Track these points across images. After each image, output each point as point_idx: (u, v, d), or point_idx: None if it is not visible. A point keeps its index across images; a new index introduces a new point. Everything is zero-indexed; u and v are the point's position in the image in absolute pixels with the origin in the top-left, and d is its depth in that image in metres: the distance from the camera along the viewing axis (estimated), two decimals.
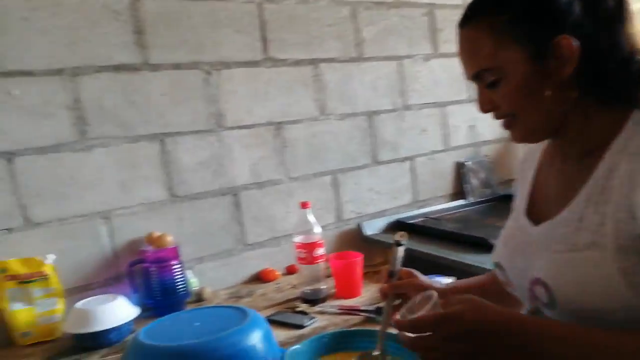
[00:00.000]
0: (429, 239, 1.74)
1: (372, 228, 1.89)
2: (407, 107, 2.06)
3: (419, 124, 2.09)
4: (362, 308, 1.37)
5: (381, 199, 1.98)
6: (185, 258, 1.54)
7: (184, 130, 1.58)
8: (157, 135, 1.54)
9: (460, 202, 2.15)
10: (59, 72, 1.40)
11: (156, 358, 0.89)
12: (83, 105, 1.43)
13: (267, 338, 1.00)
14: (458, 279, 1.34)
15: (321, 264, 1.46)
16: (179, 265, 1.45)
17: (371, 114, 1.96)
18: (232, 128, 1.67)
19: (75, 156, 1.42)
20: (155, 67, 1.54)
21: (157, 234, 1.45)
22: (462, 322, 0.68)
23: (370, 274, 1.64)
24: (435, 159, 2.13)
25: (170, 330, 0.98)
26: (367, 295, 1.50)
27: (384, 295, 0.94)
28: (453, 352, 0.68)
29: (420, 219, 1.95)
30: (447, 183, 2.17)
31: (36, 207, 1.36)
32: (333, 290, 1.51)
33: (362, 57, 1.93)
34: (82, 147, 1.43)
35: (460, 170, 2.18)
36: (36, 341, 1.31)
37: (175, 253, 1.46)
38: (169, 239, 1.45)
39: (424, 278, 1.00)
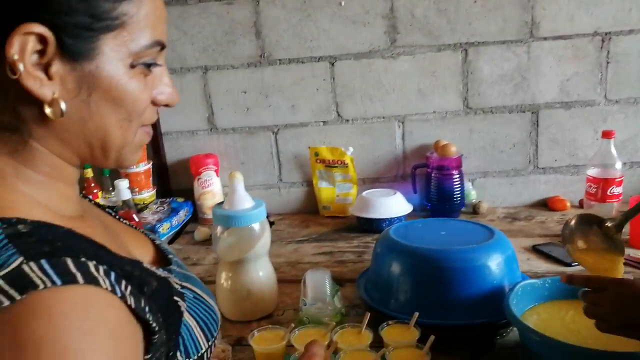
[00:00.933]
0: None
1: None
2: None
3: None
4: None
5: None
6: (468, 170, 1.56)
7: (489, 40, 1.52)
8: (461, 45, 1.54)
9: None
10: None
11: (395, 252, 1.00)
12: (396, 14, 1.54)
13: (508, 263, 0.97)
14: None
15: (614, 205, 1.27)
16: (458, 176, 1.50)
17: None
18: (545, 38, 1.51)
19: (383, 62, 1.57)
20: None
21: (443, 142, 1.51)
22: (630, 287, 0.71)
23: None
24: None
25: (417, 232, 1.07)
26: None
27: None
28: (617, 312, 0.70)
29: None
30: None
31: (348, 106, 1.59)
32: (626, 237, 1.30)
33: None
34: (391, 54, 1.56)
35: None
36: (332, 215, 1.62)
37: (457, 163, 1.50)
38: (453, 149, 1.49)
39: None
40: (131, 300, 0.43)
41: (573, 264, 1.19)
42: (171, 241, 1.50)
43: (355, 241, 1.42)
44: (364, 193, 1.50)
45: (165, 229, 1.43)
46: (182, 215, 1.53)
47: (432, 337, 0.81)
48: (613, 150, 1.25)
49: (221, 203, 1.04)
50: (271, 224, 1.23)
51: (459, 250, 0.96)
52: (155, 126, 1.63)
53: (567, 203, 1.55)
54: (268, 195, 1.66)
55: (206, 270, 1.30)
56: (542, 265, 1.21)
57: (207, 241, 1.47)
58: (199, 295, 0.58)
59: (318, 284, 0.98)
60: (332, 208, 1.61)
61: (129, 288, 0.44)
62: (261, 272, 1.05)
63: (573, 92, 1.52)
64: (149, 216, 1.45)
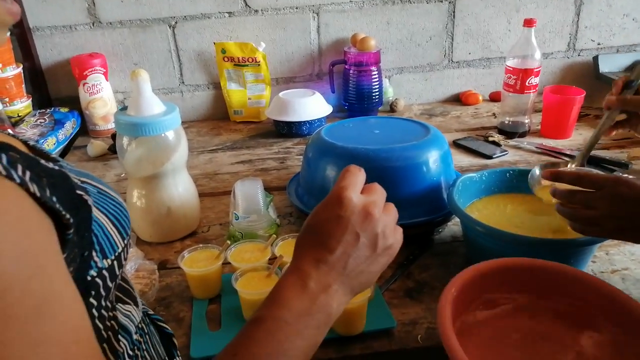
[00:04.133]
0: None
1: (610, 65, 1.55)
2: None
3: None
4: (567, 152, 1.20)
5: (637, 29, 1.57)
6: (385, 66, 1.49)
7: None
8: None
9: None
10: None
11: (331, 155, 0.92)
12: None
13: (444, 159, 0.94)
14: None
15: (531, 96, 1.28)
16: (377, 72, 1.42)
17: None
18: None
19: None
20: None
21: (361, 35, 1.41)
22: (629, 186, 0.62)
23: (590, 118, 1.40)
24: None
25: (350, 132, 0.99)
26: (577, 139, 1.30)
27: (608, 106, 0.80)
28: (614, 215, 0.63)
29: None
30: None
31: None
32: (537, 127, 1.34)
33: None
34: None
35: None
36: (244, 120, 1.48)
37: (376, 59, 1.42)
38: (372, 42, 1.39)
39: None
40: (34, 188, 0.33)
41: (494, 156, 1.21)
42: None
43: (274, 147, 1.32)
44: (281, 94, 1.37)
45: (51, 145, 1.21)
46: (69, 127, 1.31)
47: None
48: (533, 39, 1.23)
49: (125, 108, 0.87)
50: None
51: (399, 149, 0.90)
52: (22, 20, 1.32)
53: (480, 97, 1.56)
54: (169, 101, 1.45)
55: None
56: (465, 159, 1.22)
57: (104, 156, 1.29)
58: (102, 190, 0.47)
59: (250, 195, 0.88)
60: (245, 112, 1.47)
61: (28, 174, 0.33)
62: (180, 187, 0.92)
63: None
64: (28, 130, 1.22)
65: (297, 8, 1.43)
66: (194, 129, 1.45)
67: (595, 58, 1.56)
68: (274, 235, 0.80)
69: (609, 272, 0.83)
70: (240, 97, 1.46)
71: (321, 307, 0.47)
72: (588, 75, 1.58)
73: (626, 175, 0.64)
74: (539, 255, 0.72)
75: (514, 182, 0.91)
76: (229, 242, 0.78)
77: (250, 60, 1.41)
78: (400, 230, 0.54)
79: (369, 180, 0.88)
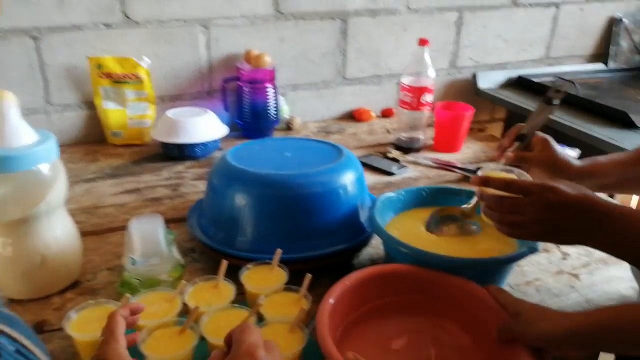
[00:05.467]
0: None
1: (487, 81, 1.66)
2: None
3: None
4: (460, 166, 1.24)
5: (507, 49, 1.69)
6: (280, 83, 1.43)
7: None
8: None
9: (599, 66, 1.81)
10: None
11: (240, 182, 0.83)
12: None
13: (360, 181, 0.90)
14: (583, 152, 1.15)
15: (425, 112, 1.30)
16: (273, 90, 1.35)
17: None
18: None
19: None
20: None
21: (255, 52, 1.33)
22: (555, 192, 0.63)
23: (473, 131, 1.47)
24: (585, 10, 1.75)
25: (259, 156, 0.91)
26: (466, 152, 1.35)
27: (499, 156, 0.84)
28: (540, 220, 0.64)
29: (548, 79, 1.66)
30: (590, 41, 1.82)
31: (137, 4, 1.25)
32: (430, 142, 1.37)
33: None
34: None
35: (611, 28, 1.80)
36: (126, 143, 1.31)
37: (271, 76, 1.35)
38: (267, 59, 1.32)
39: (558, 150, 0.82)
40: None
41: (396, 172, 1.21)
42: None
43: (163, 172, 1.18)
44: (169, 113, 1.23)
45: None
46: None
47: (309, 276, 0.70)
48: (427, 58, 1.25)
49: None
50: None
51: (315, 173, 0.84)
52: None
53: (372, 113, 1.56)
54: (32, 124, 1.23)
55: None
56: (369, 178, 1.19)
57: None
58: (24, 348, 0.34)
59: (149, 235, 0.75)
60: (125, 134, 1.30)
61: None
62: (58, 230, 0.76)
63: (380, 0, 1.48)
64: None
65: (184, 21, 1.30)
66: (65, 155, 1.24)
67: (474, 75, 1.66)
68: (184, 282, 0.69)
69: (523, 284, 0.84)
70: (119, 117, 1.29)
71: None
72: (468, 91, 1.66)
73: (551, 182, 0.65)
74: (463, 274, 0.71)
75: (429, 199, 0.90)
76: (128, 295, 0.65)
77: (131, 76, 1.26)
78: None
79: (289, 208, 0.81)
